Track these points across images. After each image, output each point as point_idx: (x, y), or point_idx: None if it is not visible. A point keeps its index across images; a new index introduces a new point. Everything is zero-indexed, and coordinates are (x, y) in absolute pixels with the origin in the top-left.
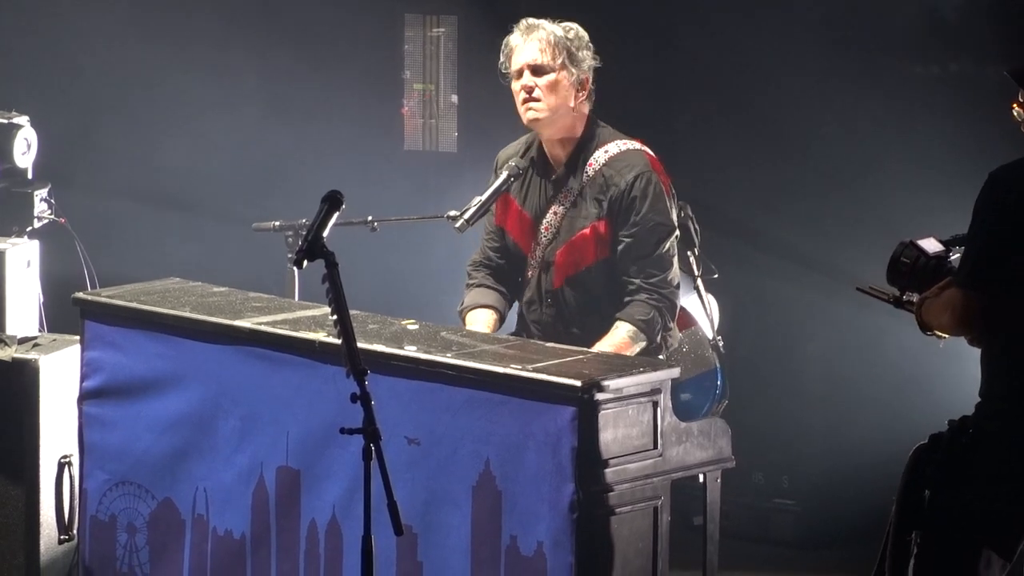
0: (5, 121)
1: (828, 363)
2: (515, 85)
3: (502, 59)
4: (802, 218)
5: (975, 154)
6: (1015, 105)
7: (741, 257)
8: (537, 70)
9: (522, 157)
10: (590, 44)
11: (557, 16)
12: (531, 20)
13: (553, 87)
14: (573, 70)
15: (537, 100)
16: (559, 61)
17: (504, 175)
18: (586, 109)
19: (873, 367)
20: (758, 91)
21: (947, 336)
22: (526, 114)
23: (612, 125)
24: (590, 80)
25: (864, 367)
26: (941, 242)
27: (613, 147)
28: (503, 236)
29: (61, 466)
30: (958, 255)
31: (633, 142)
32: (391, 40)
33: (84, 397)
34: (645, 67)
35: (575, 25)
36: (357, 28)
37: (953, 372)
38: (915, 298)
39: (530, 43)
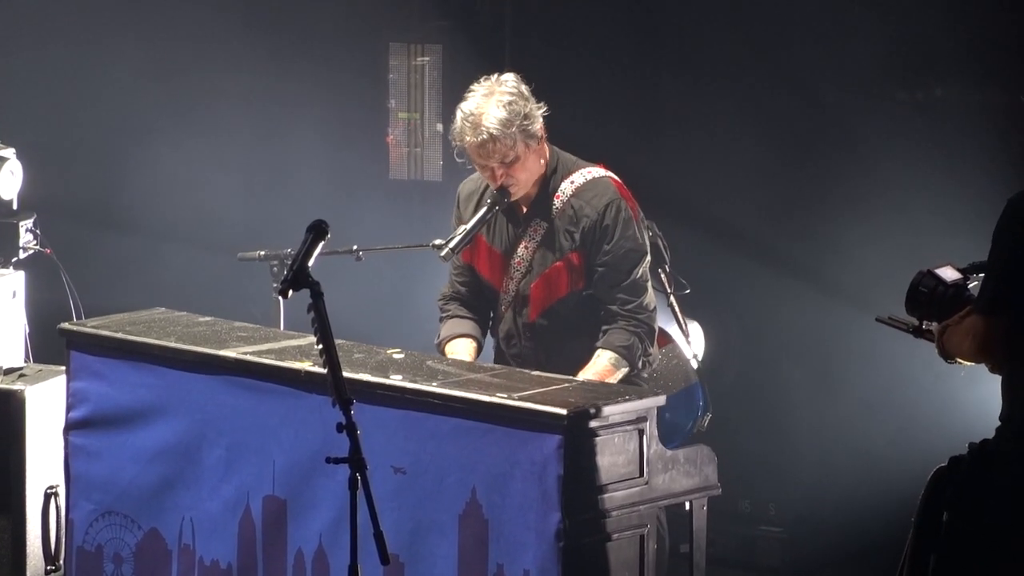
0: None
1: (814, 391)
2: (480, 170)
3: (457, 147)
4: (790, 246)
5: (977, 179)
6: None
7: (728, 284)
8: (502, 163)
9: (490, 191)
10: (529, 96)
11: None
12: (469, 108)
13: (522, 167)
14: (530, 141)
15: (512, 185)
16: (519, 144)
17: (489, 203)
18: (545, 147)
19: (860, 394)
20: (757, 107)
21: (969, 363)
22: (483, 181)
23: (608, 148)
24: (541, 124)
25: (851, 394)
26: (959, 270)
27: (579, 176)
28: (472, 272)
29: (47, 496)
30: (976, 283)
31: (596, 168)
32: (376, 69)
33: (70, 427)
34: (642, 95)
35: (510, 87)
36: (342, 57)
37: (942, 398)
38: (934, 327)
39: (484, 146)
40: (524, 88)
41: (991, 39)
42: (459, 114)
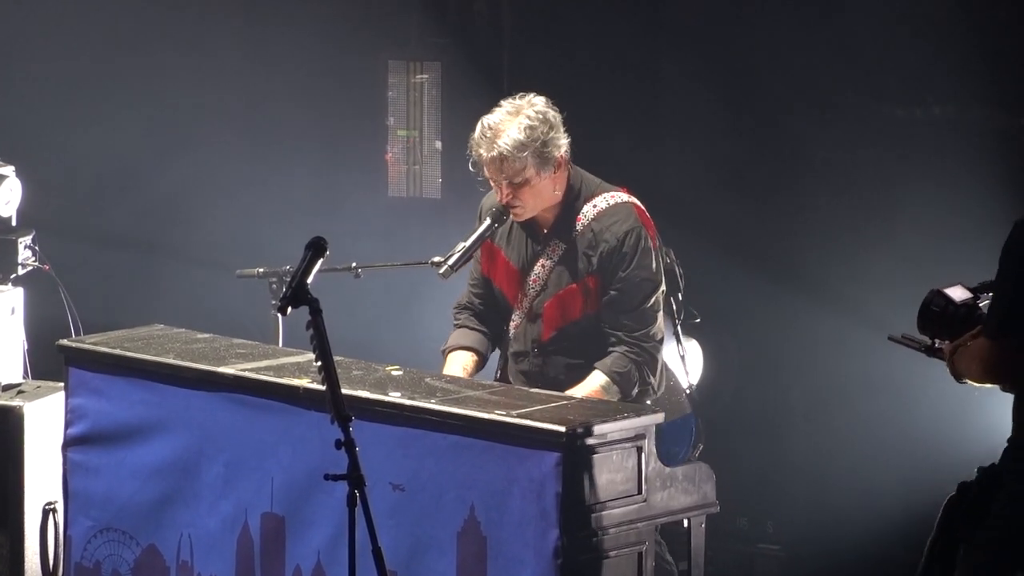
0: None
1: (812, 408)
2: (494, 186)
3: (472, 157)
4: (789, 263)
5: (977, 197)
6: None
7: (726, 301)
8: (510, 182)
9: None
10: (556, 123)
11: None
12: (490, 122)
13: (531, 191)
14: (547, 159)
15: (518, 207)
16: (529, 168)
17: (487, 221)
18: (566, 173)
19: (858, 412)
20: (755, 125)
21: (979, 385)
22: (511, 214)
23: (607, 163)
24: (565, 156)
25: (849, 412)
26: (969, 289)
27: (601, 201)
28: (488, 285)
29: (46, 513)
30: (987, 301)
31: (620, 192)
32: (375, 86)
33: (68, 444)
34: (642, 111)
35: (537, 111)
36: (341, 75)
37: (941, 416)
38: (947, 346)
39: (495, 161)
40: (553, 114)
41: (990, 57)
42: (479, 126)
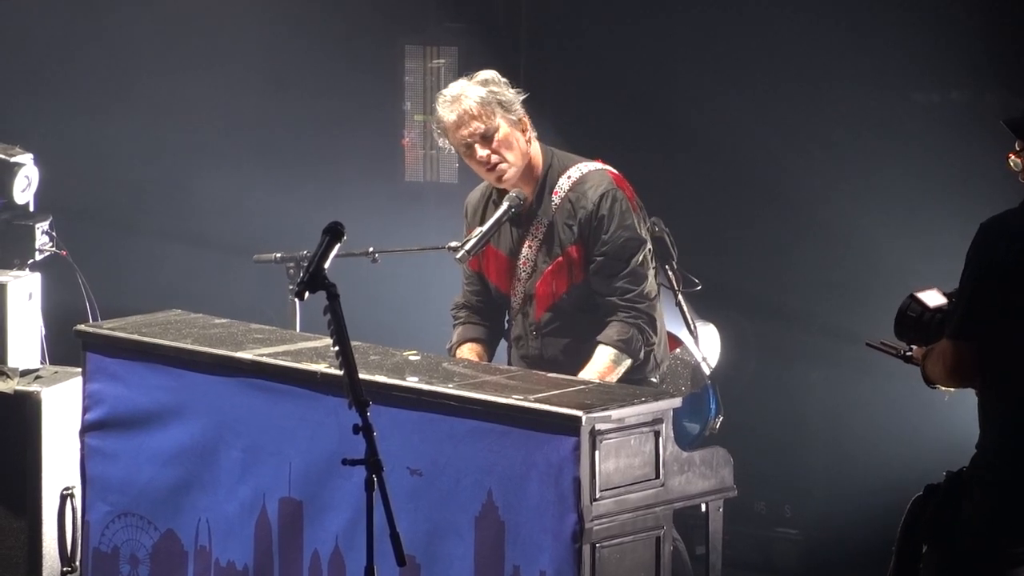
0: (6, 158)
1: (831, 391)
2: (469, 161)
3: (440, 139)
4: (805, 246)
5: (994, 182)
6: (1011, 155)
7: (744, 285)
8: (484, 137)
9: (493, 198)
10: (507, 81)
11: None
12: (451, 92)
13: (506, 143)
14: (511, 116)
15: (501, 163)
16: (496, 118)
17: (505, 205)
18: (536, 143)
19: (876, 395)
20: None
21: (951, 389)
22: (497, 181)
23: (624, 148)
24: (525, 115)
25: (867, 395)
26: (944, 294)
27: (575, 171)
28: (482, 280)
29: (63, 498)
30: None
31: (594, 162)
32: (392, 71)
33: (86, 429)
34: (658, 94)
35: (488, 75)
36: (358, 60)
37: (957, 402)
38: (918, 351)
39: (464, 116)
40: (503, 80)
41: (1009, 42)
42: (438, 99)
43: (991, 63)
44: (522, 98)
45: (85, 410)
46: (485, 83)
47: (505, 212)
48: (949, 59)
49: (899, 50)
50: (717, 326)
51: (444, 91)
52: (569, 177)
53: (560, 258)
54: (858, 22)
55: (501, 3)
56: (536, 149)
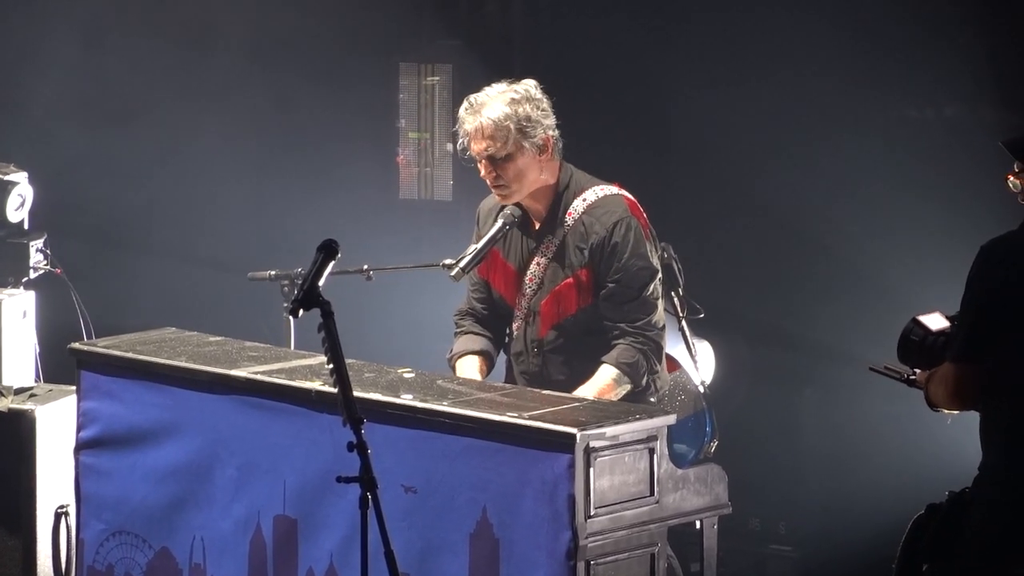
0: (0, 177)
1: (825, 408)
2: (479, 166)
3: (460, 137)
4: (801, 264)
5: (991, 199)
6: (1010, 176)
7: (739, 303)
8: (491, 158)
9: (507, 208)
10: (543, 103)
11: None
12: (477, 98)
13: (511, 170)
14: (527, 145)
15: (502, 185)
16: (509, 144)
17: (500, 223)
18: (555, 163)
19: (871, 413)
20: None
21: (953, 412)
22: (496, 196)
23: (619, 167)
24: (552, 139)
25: (862, 413)
26: (947, 317)
27: (591, 194)
28: (488, 288)
29: (58, 516)
30: None
31: (610, 186)
32: (386, 89)
33: (80, 447)
34: (653, 114)
35: (524, 88)
36: (352, 77)
37: (952, 421)
38: (922, 375)
39: (477, 132)
40: (540, 96)
41: (1004, 58)
42: (466, 102)
43: (991, 79)
44: (550, 119)
45: (79, 428)
46: (513, 101)
47: (499, 230)
48: (980, 77)
49: (919, 68)
50: (712, 343)
51: (475, 95)
52: (585, 200)
53: (569, 279)
54: (857, 37)
55: (495, 21)
56: (554, 167)
